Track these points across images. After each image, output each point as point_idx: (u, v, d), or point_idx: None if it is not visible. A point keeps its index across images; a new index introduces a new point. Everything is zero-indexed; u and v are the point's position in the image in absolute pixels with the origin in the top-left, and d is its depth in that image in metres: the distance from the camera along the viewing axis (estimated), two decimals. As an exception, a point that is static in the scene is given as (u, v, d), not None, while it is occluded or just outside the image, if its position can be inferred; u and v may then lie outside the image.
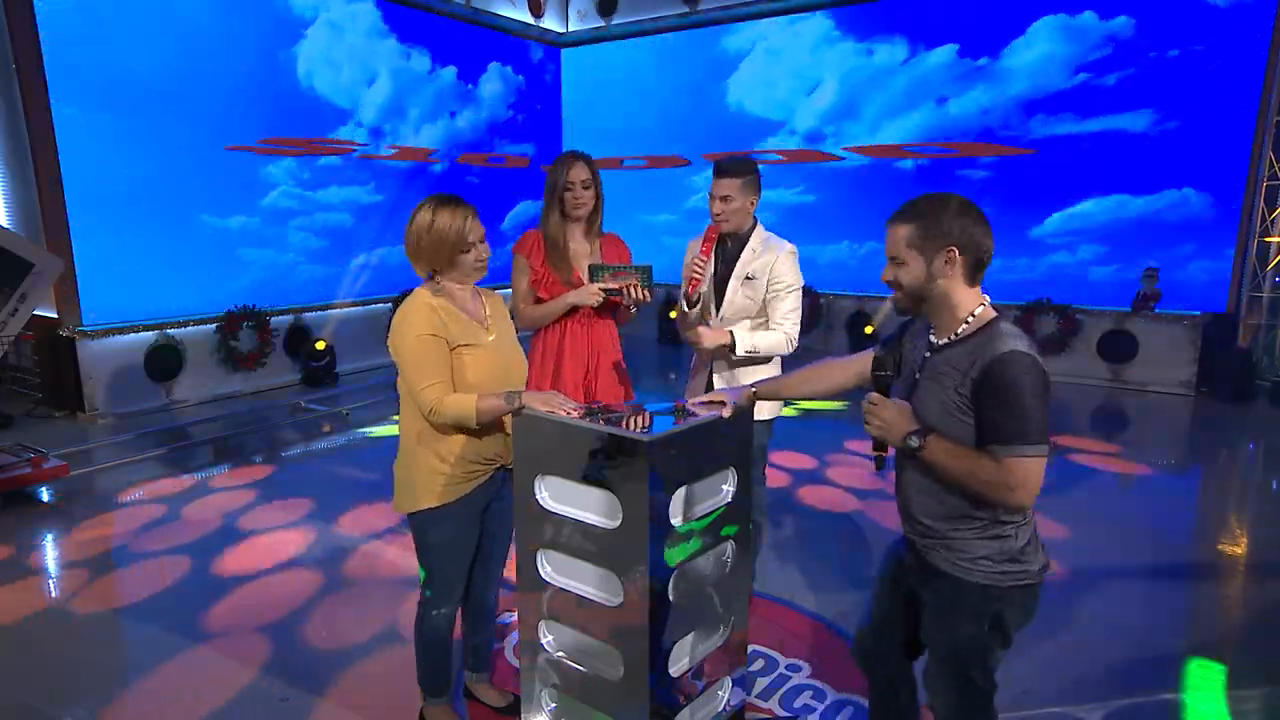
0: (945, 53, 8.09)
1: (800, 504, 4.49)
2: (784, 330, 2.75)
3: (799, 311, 2.79)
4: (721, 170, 2.75)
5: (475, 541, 2.30)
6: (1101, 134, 7.47)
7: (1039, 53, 7.64)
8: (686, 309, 2.84)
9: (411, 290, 2.23)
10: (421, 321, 2.10)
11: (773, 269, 2.75)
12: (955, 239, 1.65)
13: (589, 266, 2.82)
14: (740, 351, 2.71)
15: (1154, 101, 7.22)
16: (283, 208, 7.42)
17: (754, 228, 2.83)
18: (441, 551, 2.24)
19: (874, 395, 1.76)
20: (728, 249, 2.84)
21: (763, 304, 2.79)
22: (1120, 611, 3.27)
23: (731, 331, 2.73)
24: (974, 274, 1.69)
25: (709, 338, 2.72)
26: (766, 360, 2.84)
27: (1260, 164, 6.77)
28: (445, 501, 2.18)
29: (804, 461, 5.21)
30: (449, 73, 8.91)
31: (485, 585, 2.44)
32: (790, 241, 2.83)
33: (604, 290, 2.77)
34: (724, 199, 2.73)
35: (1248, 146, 6.84)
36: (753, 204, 2.78)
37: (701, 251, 2.79)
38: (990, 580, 1.70)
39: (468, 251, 2.14)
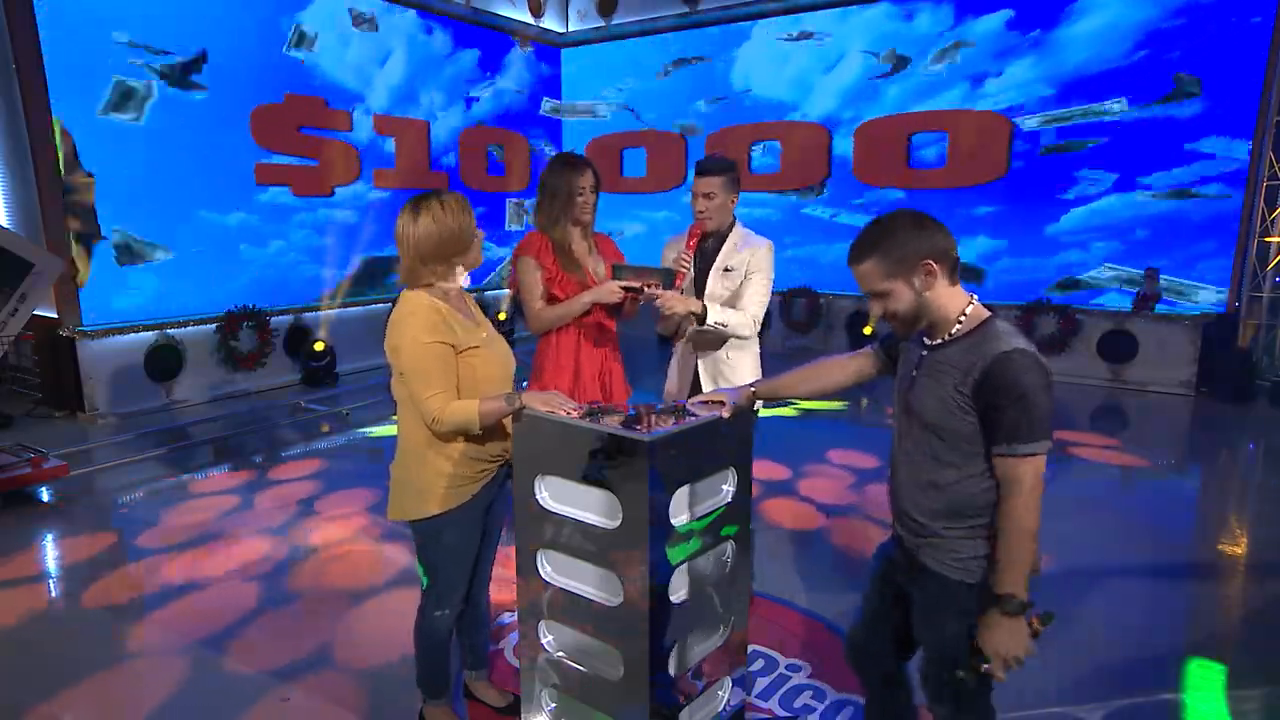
0: (996, 20, 7.51)
1: (760, 520, 4.12)
2: (750, 312, 2.83)
3: (765, 300, 2.89)
4: (705, 169, 2.85)
5: (479, 542, 2.30)
6: (1144, 121, 7.09)
7: (1102, 20, 7.04)
8: None
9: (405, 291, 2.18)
10: (423, 325, 2.04)
11: (750, 260, 2.88)
12: (926, 252, 1.66)
13: (614, 266, 2.85)
14: (710, 322, 2.73)
15: (1208, 87, 6.75)
16: (283, 204, 7.40)
17: (733, 225, 2.94)
18: (449, 555, 2.23)
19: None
20: (708, 246, 2.94)
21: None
22: (1120, 611, 3.27)
23: (704, 303, 2.76)
24: (953, 274, 1.70)
25: (680, 303, 2.69)
26: (745, 348, 2.94)
27: (1260, 164, 6.76)
28: (455, 505, 2.17)
29: (777, 471, 4.93)
30: (451, 66, 8.90)
31: (480, 584, 2.43)
32: (768, 238, 2.94)
33: (624, 288, 2.78)
34: (707, 196, 2.83)
35: (1247, 146, 6.82)
36: (733, 201, 2.90)
37: (687, 247, 2.88)
38: (977, 580, 1.70)
39: (476, 234, 2.16)
